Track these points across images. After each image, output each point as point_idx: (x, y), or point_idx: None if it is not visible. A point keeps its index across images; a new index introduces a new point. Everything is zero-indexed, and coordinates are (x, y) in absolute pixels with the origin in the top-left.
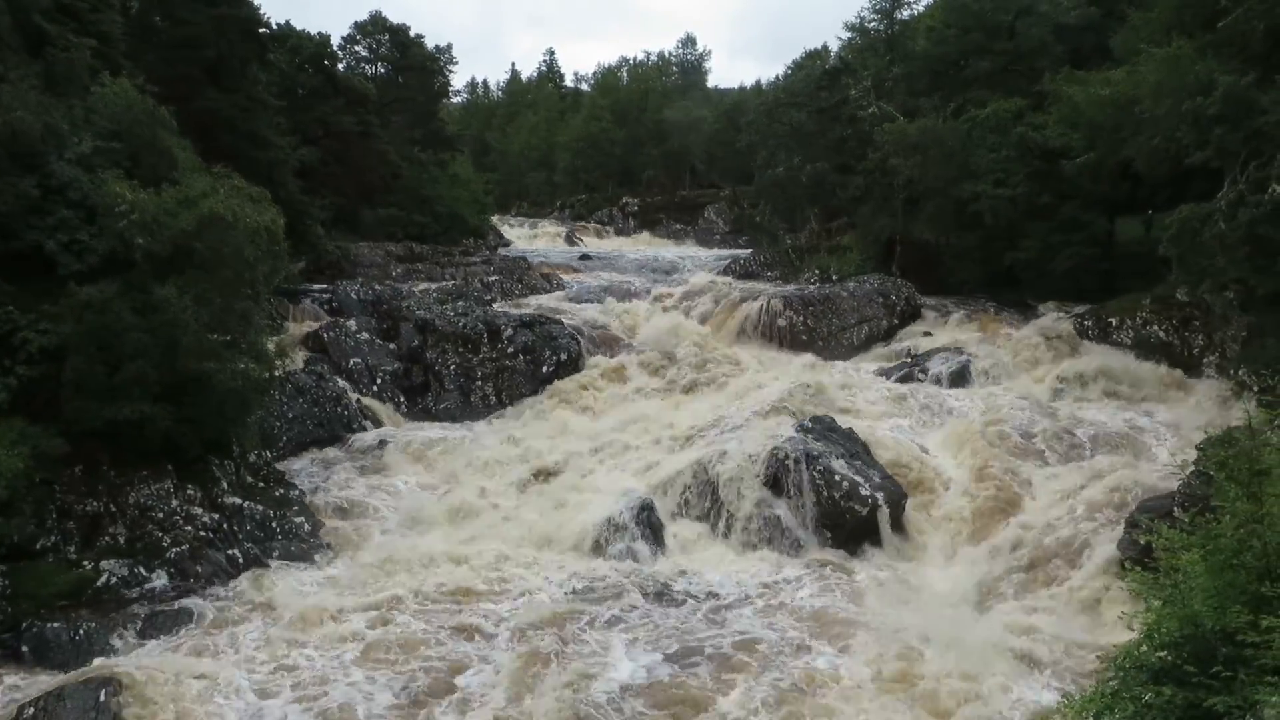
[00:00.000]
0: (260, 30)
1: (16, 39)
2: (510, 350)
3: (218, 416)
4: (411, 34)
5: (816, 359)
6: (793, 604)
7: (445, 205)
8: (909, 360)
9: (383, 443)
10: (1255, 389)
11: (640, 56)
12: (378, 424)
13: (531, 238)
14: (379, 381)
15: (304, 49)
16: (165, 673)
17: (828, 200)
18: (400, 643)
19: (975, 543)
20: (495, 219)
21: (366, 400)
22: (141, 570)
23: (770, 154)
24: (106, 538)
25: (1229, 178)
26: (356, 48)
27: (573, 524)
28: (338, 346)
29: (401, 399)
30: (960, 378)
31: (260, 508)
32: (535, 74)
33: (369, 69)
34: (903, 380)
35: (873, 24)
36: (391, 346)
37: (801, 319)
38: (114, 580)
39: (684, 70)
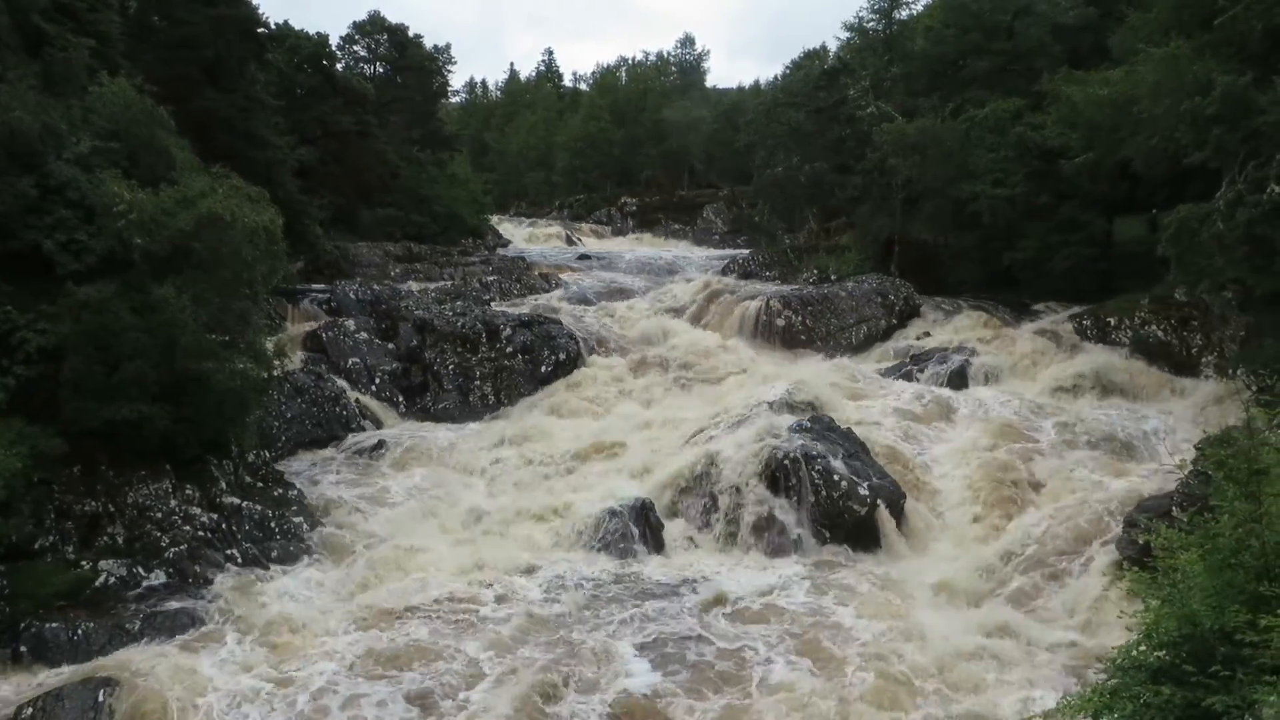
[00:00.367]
0: (258, 30)
1: (15, 39)
2: (509, 350)
3: (216, 416)
4: (410, 34)
5: (815, 358)
6: (791, 604)
7: (444, 205)
8: (908, 360)
9: (381, 443)
10: (1253, 389)
11: (639, 56)
12: (376, 424)
13: (530, 238)
14: (378, 381)
15: (302, 49)
16: (163, 673)
17: (826, 200)
18: (397, 645)
19: (974, 541)
20: (494, 219)
21: (365, 400)
22: (140, 570)
23: (769, 154)
24: (105, 538)
25: (1227, 178)
26: (355, 47)
27: (571, 524)
28: (336, 346)
29: (400, 399)
30: (959, 377)
31: (259, 508)
32: (534, 74)
33: (367, 69)
34: (901, 380)
35: (871, 24)
36: (390, 346)
37: (800, 319)
38: (112, 580)
39: (682, 70)
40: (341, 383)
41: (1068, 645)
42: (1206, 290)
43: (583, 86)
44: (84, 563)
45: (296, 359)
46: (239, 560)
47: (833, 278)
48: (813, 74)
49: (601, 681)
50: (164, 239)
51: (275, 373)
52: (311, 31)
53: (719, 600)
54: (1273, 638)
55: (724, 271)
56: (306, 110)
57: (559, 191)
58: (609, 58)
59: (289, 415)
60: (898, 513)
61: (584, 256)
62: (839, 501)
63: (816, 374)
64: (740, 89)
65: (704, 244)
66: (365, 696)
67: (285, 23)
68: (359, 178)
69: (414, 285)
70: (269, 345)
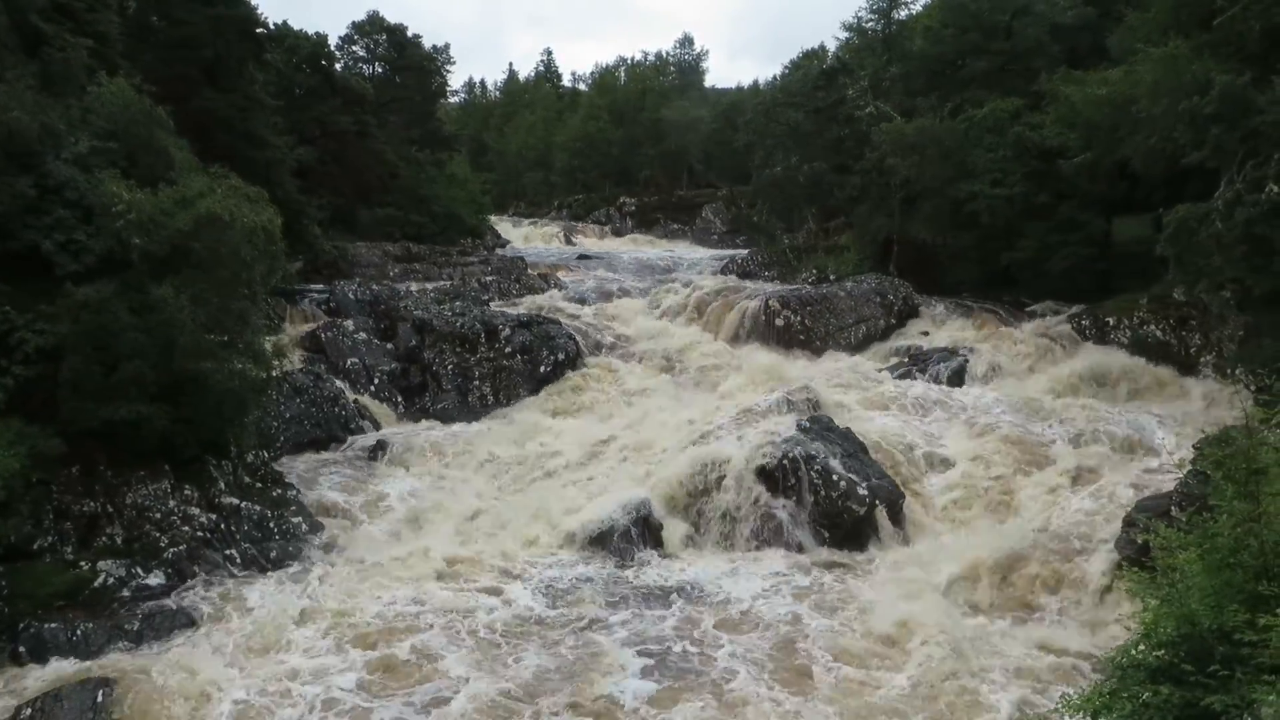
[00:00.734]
0: (257, 30)
1: (13, 39)
2: (508, 350)
3: (215, 417)
4: (409, 34)
5: (814, 358)
6: (790, 604)
7: (443, 205)
8: (906, 360)
9: (380, 443)
10: (1252, 388)
11: (638, 56)
12: (375, 424)
13: (529, 238)
14: (376, 381)
15: (301, 49)
16: (162, 673)
17: (825, 200)
18: (396, 646)
19: (972, 542)
20: (493, 219)
21: (364, 400)
22: (139, 570)
23: (768, 154)
24: (104, 538)
25: (1226, 177)
26: (354, 47)
27: (570, 525)
28: (335, 346)
29: (399, 399)
30: (957, 377)
31: (258, 508)
32: (533, 74)
33: (366, 69)
34: (900, 379)
35: (870, 24)
36: (389, 346)
37: (799, 318)
38: (111, 580)
39: (681, 70)
40: (340, 383)
41: (1066, 645)
42: (1205, 290)
43: (581, 86)
44: (83, 563)
45: (295, 359)
46: (238, 561)
47: (831, 277)
48: (811, 74)
49: (600, 685)
50: (163, 239)
51: (274, 373)
52: (310, 31)
53: (717, 601)
54: (1271, 637)
55: (723, 271)
56: (305, 110)
57: (558, 191)
58: (608, 58)
59: (288, 415)
60: (896, 513)
61: (583, 256)
62: (838, 502)
63: (815, 374)
64: (739, 89)
65: (703, 244)
66: (362, 697)
67: (284, 23)
68: (358, 178)
69: (413, 285)
70: (268, 345)
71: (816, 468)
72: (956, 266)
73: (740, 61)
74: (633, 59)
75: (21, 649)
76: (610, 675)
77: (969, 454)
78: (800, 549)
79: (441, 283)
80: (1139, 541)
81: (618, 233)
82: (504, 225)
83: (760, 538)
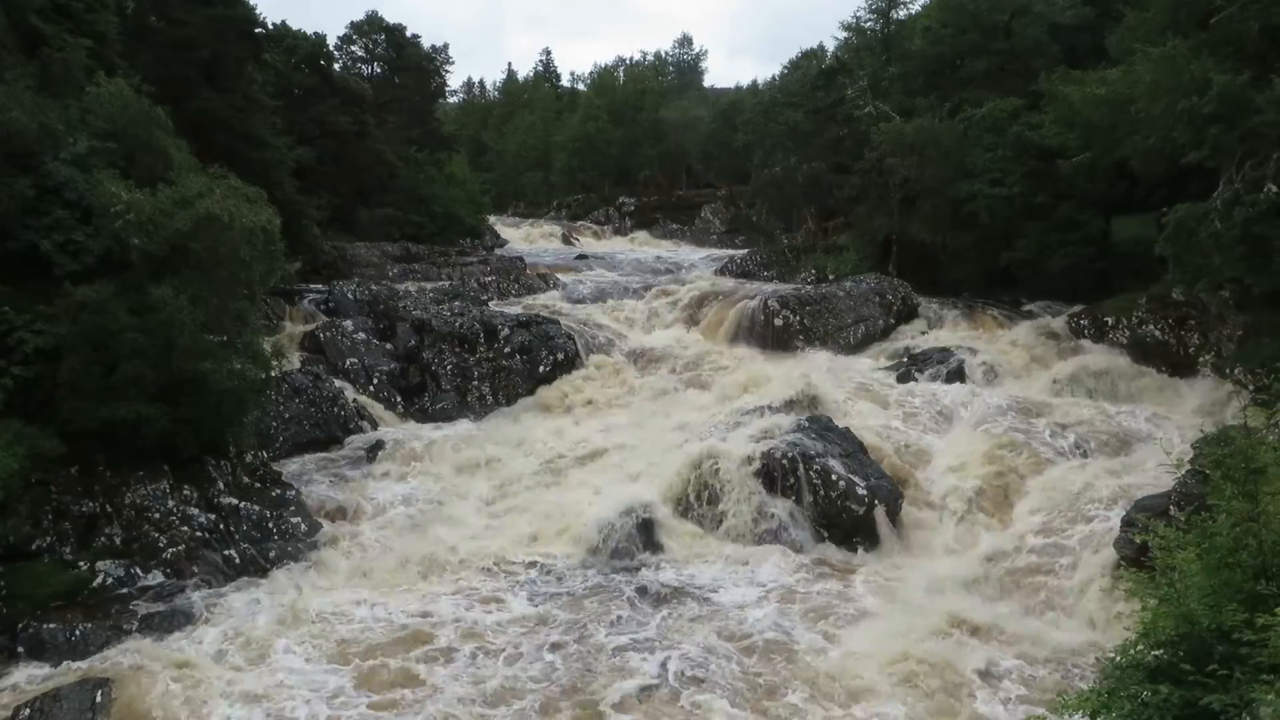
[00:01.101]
0: (256, 30)
1: (12, 39)
2: (507, 350)
3: (214, 417)
4: (408, 34)
5: (813, 358)
6: (788, 604)
7: (441, 205)
8: (906, 359)
9: (379, 443)
10: (1251, 388)
11: (637, 57)
12: (374, 424)
13: (528, 238)
14: (376, 381)
15: (300, 49)
16: (161, 674)
17: (824, 200)
18: (395, 648)
19: (971, 542)
20: (492, 219)
21: (363, 400)
22: (138, 571)
23: (767, 154)
24: (102, 538)
25: (1224, 177)
26: (352, 47)
27: (569, 525)
28: (334, 347)
29: (398, 399)
30: (957, 377)
31: (257, 508)
32: (531, 74)
33: (365, 69)
34: (899, 379)
35: (869, 24)
36: (388, 346)
37: (798, 318)
38: (110, 581)
39: (680, 70)
40: (339, 383)
41: (1065, 645)
42: (1204, 289)
43: (580, 87)
44: (81, 563)
45: (294, 359)
46: (236, 561)
47: (830, 277)
48: (810, 74)
49: (599, 688)
50: (162, 239)
51: (273, 373)
52: (309, 32)
53: (716, 601)
54: (1270, 636)
55: (722, 271)
56: (304, 110)
57: (557, 191)
58: (607, 58)
59: (287, 416)
60: (895, 513)
61: (582, 256)
62: (837, 501)
63: (815, 374)
64: (738, 89)
65: (702, 244)
66: (363, 700)
67: (283, 23)
68: (357, 178)
69: (412, 285)
70: (267, 346)
71: (816, 467)
72: (956, 266)
73: (739, 61)
74: (632, 59)
75: (20, 649)
76: (614, 674)
77: (968, 454)
78: (799, 549)
79: (440, 283)
80: (1137, 541)
81: (617, 233)
82: (503, 226)
83: (759, 537)
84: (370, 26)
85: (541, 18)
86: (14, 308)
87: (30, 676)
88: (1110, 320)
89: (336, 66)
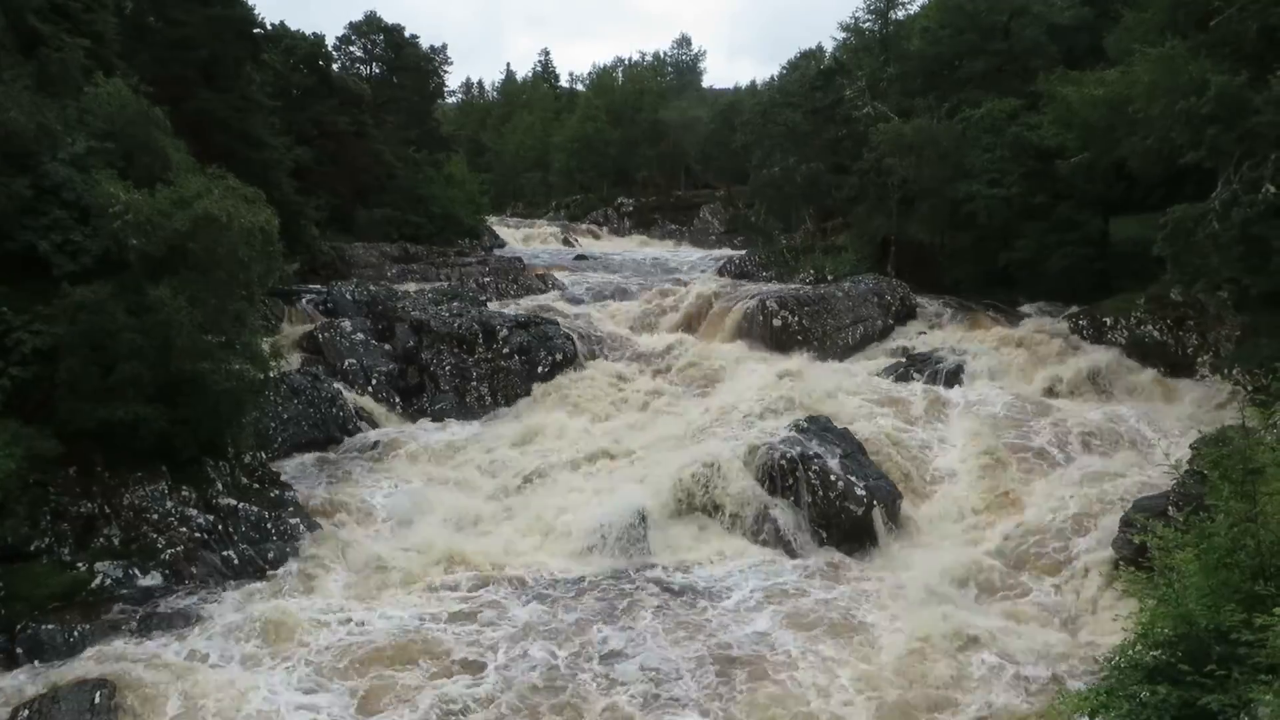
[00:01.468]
0: (254, 30)
1: (10, 39)
2: (505, 351)
3: (212, 417)
4: (406, 34)
5: (812, 358)
6: (787, 605)
7: (440, 206)
8: (904, 360)
9: (378, 443)
10: (1249, 388)
11: (636, 57)
12: (373, 425)
13: (526, 238)
14: (374, 382)
15: (298, 49)
16: (159, 675)
17: (823, 200)
18: (393, 649)
19: (969, 542)
20: (490, 219)
21: (362, 401)
22: (136, 572)
23: (765, 154)
24: (101, 539)
25: (1223, 177)
26: (351, 48)
27: (568, 526)
28: (333, 347)
29: (397, 399)
30: (955, 377)
31: (255, 509)
32: (530, 74)
33: (364, 69)
34: (898, 380)
35: (867, 24)
36: (387, 347)
37: (797, 319)
38: (108, 582)
39: (679, 70)
40: (338, 384)
41: (1064, 645)
42: (1202, 290)
43: (579, 87)
44: (80, 564)
45: (293, 360)
46: (235, 562)
47: (829, 278)
48: (809, 74)
49: (598, 689)
50: (160, 240)
51: (272, 374)
52: (308, 32)
53: (715, 602)
54: (1268, 636)
55: (720, 272)
56: (303, 111)
57: (555, 192)
58: (606, 58)
59: (285, 416)
60: (893, 513)
61: (580, 257)
62: (836, 502)
63: (813, 374)
64: (737, 89)
65: (701, 244)
66: (362, 701)
67: (281, 23)
68: (355, 178)
69: (410, 286)
70: (265, 346)
71: (814, 468)
72: (954, 267)
73: (738, 62)
74: (630, 59)
75: (18, 650)
76: (628, 671)
77: (966, 454)
78: (798, 551)
79: (439, 283)
80: (1136, 541)
81: (616, 233)
82: (502, 226)
83: (758, 538)
84: (369, 27)
85: (541, 18)
86: (12, 308)
87: (28, 678)
88: (1109, 320)
89: (335, 67)
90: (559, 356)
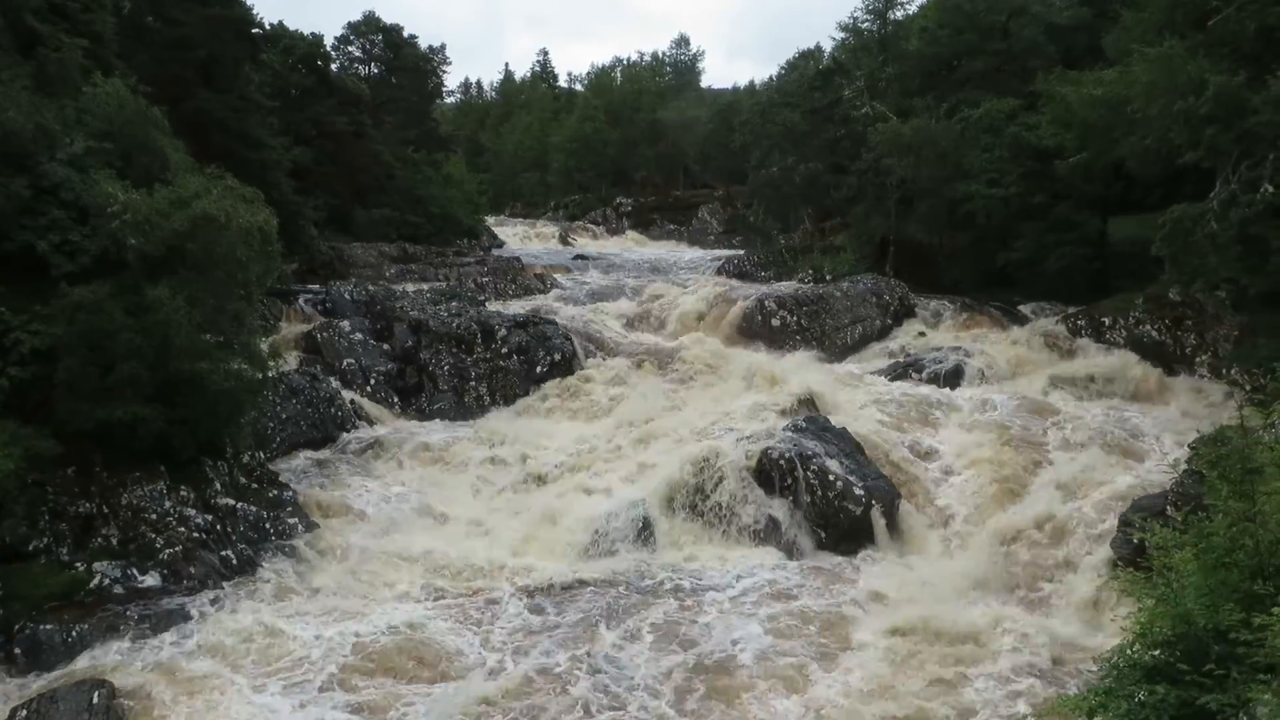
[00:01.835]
0: (253, 30)
1: (8, 39)
2: (504, 351)
3: (211, 417)
4: (405, 34)
5: (810, 358)
6: (785, 605)
7: (439, 206)
8: (903, 360)
9: (376, 443)
10: (1247, 388)
11: (634, 57)
12: (371, 425)
13: (525, 238)
14: (373, 382)
15: (297, 49)
16: (158, 675)
17: (821, 200)
18: (391, 651)
19: (968, 542)
20: (489, 219)
21: (360, 401)
22: (134, 572)
23: (764, 154)
24: (99, 539)
25: (1221, 177)
26: (350, 48)
27: (566, 525)
28: (331, 347)
29: (395, 399)
30: (954, 377)
31: (253, 509)
32: (529, 74)
33: (362, 69)
34: (896, 380)
35: (866, 24)
36: (385, 347)
37: (795, 319)
38: (107, 582)
39: (677, 71)
40: (336, 383)
41: (1062, 645)
42: (1201, 290)
43: (578, 87)
44: (78, 564)
45: (291, 360)
46: (233, 562)
47: (828, 278)
48: (807, 74)
49: (598, 690)
50: (158, 239)
51: (270, 374)
52: (306, 32)
53: (713, 602)
54: (1267, 636)
55: (719, 272)
56: (301, 111)
57: (554, 192)
58: (605, 58)
59: (284, 416)
60: (892, 513)
61: (579, 257)
62: (834, 502)
63: (812, 374)
64: (736, 89)
65: (699, 244)
66: (360, 703)
67: (280, 23)
68: (354, 178)
69: (409, 286)
70: (264, 346)
71: (813, 467)
72: (953, 267)
73: (737, 62)
74: (629, 59)
75: (16, 651)
76: (611, 679)
77: (965, 454)
78: (796, 552)
79: (438, 283)
80: (1135, 541)
81: (614, 233)
82: (500, 226)
83: (757, 538)
84: (367, 27)
85: (541, 18)
86: (10, 308)
87: (27, 678)
88: (1107, 320)
89: (334, 67)
90: (557, 356)
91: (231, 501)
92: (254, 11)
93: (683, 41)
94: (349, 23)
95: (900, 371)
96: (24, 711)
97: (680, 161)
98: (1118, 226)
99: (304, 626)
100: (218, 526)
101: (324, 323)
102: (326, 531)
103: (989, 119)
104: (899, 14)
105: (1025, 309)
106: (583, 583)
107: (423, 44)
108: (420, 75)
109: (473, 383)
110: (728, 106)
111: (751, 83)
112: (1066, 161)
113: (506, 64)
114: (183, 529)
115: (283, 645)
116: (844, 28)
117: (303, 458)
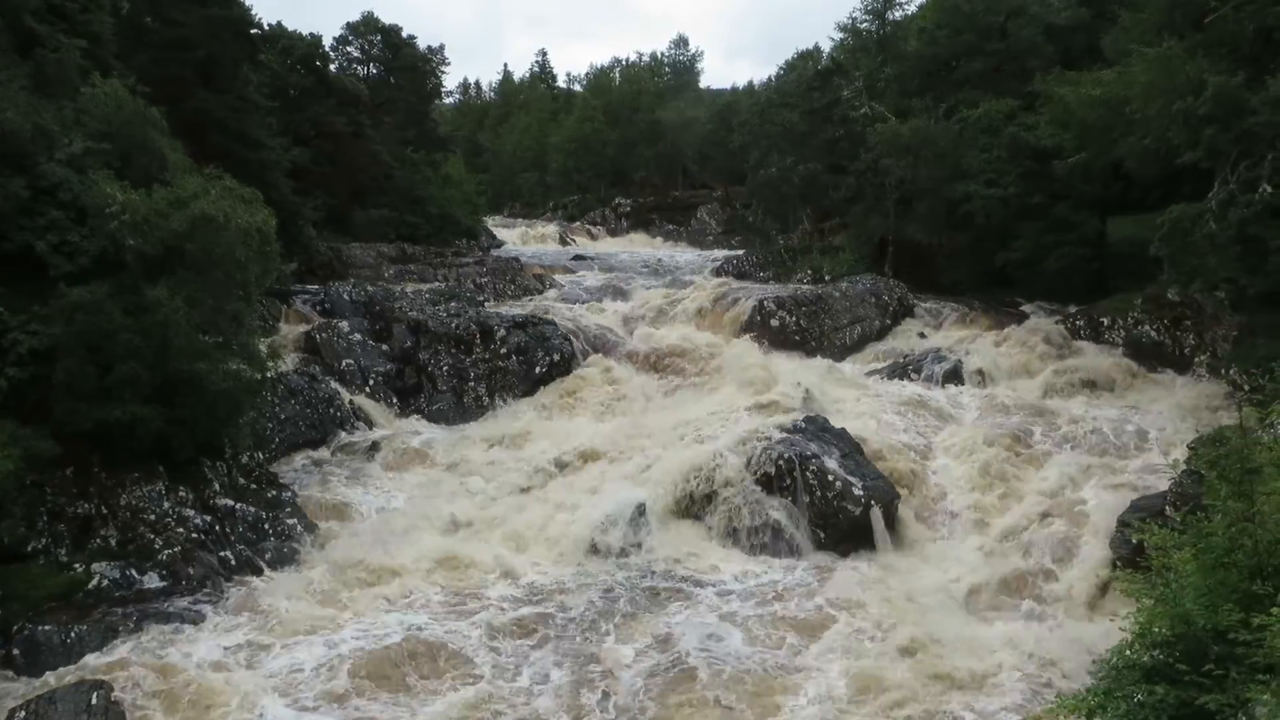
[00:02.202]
0: (251, 31)
1: (7, 39)
2: (503, 351)
3: (209, 418)
4: (404, 34)
5: (810, 359)
6: (784, 605)
7: (438, 206)
8: (902, 360)
9: (375, 444)
10: (1246, 388)
11: (633, 58)
12: (370, 425)
13: (524, 239)
14: (371, 382)
15: (295, 49)
16: (157, 676)
17: (820, 200)
18: (391, 650)
19: (967, 542)
20: (488, 220)
21: (359, 401)
22: (133, 572)
23: (763, 154)
24: (98, 540)
25: (1219, 178)
26: (348, 48)
27: (566, 526)
28: (330, 348)
29: (394, 400)
30: (953, 377)
31: (252, 509)
32: (528, 75)
33: (361, 69)
34: (895, 380)
35: (865, 25)
36: (384, 347)
37: (794, 319)
38: (105, 582)
39: (676, 71)
40: (335, 384)
41: (1061, 646)
42: (1199, 290)
43: (576, 88)
44: (77, 565)
45: (290, 360)
46: (232, 563)
47: (827, 278)
48: (806, 75)
49: (596, 691)
50: (157, 240)
51: (269, 374)
52: (305, 32)
53: (713, 602)
54: (1266, 636)
55: (718, 272)
56: (300, 111)
57: (553, 192)
58: (604, 59)
59: (283, 417)
60: (891, 513)
61: (578, 257)
62: (834, 502)
63: (811, 374)
64: (735, 90)
65: (698, 245)
66: (359, 704)
67: (278, 24)
68: (353, 179)
69: (408, 286)
70: (262, 347)
71: (812, 468)
72: (952, 267)
73: (737, 63)
74: (628, 60)
75: (15, 651)
76: (627, 672)
77: (964, 455)
78: (795, 553)
79: (437, 284)
80: (1134, 541)
81: (613, 234)
82: (499, 227)
83: (756, 538)
84: (366, 27)
85: (540, 18)
86: (8, 308)
87: (25, 679)
88: (1106, 320)
89: (332, 67)
90: (556, 357)
91: (230, 502)
92: (253, 12)
93: (682, 42)
94: (348, 23)
95: (899, 371)
96: (22, 713)
97: (679, 162)
98: (1116, 227)
99: (304, 626)
100: (216, 527)
101: (323, 323)
102: (325, 532)
103: (987, 119)
104: (898, 14)
105: (1024, 309)
106: (583, 583)
107: (422, 44)
108: (419, 75)
109: (472, 383)
110: (727, 107)
111: (750, 83)
112: (1065, 162)
113: (505, 64)
114: (181, 530)
115: (283, 645)
116: (843, 28)
117: (302, 458)
